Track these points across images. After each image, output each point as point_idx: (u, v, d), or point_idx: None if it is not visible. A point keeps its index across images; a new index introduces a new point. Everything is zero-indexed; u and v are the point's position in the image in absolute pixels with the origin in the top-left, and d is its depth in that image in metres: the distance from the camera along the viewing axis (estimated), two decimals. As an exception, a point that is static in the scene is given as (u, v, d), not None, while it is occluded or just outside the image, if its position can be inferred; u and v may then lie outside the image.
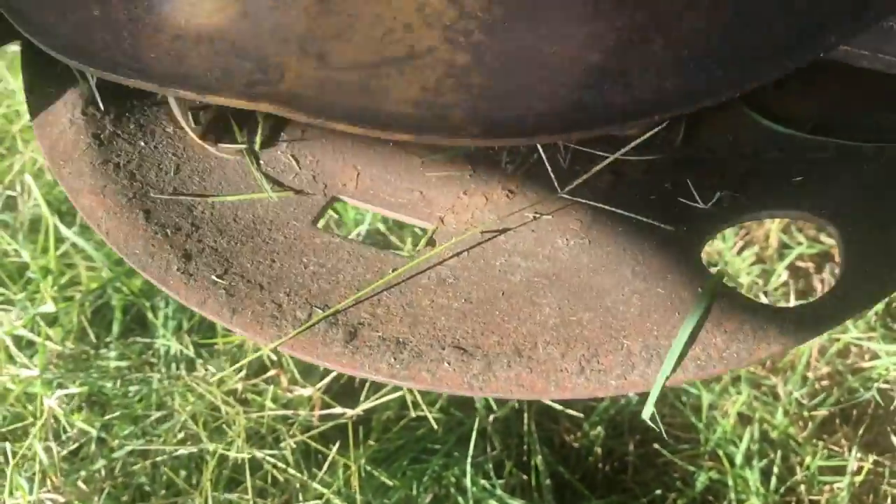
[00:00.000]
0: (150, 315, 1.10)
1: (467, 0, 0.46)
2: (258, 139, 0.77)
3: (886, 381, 1.11)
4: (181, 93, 0.55)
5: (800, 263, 1.22)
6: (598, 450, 1.08)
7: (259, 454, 0.98)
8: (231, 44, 0.52)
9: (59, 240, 1.14)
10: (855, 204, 0.67)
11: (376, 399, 1.01)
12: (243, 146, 0.76)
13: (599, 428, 1.08)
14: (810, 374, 1.14)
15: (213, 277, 0.66)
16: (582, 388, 0.61)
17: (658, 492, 1.05)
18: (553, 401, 1.04)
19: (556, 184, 0.72)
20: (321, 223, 0.72)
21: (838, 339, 1.14)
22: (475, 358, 0.62)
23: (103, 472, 0.99)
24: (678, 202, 0.71)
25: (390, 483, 0.99)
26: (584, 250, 0.69)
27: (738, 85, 0.50)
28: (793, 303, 1.16)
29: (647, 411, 0.63)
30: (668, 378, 0.60)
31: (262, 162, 0.76)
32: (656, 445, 1.08)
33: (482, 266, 0.68)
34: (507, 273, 0.68)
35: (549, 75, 0.47)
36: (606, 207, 0.70)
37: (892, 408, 1.09)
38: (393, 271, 0.68)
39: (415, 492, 1.02)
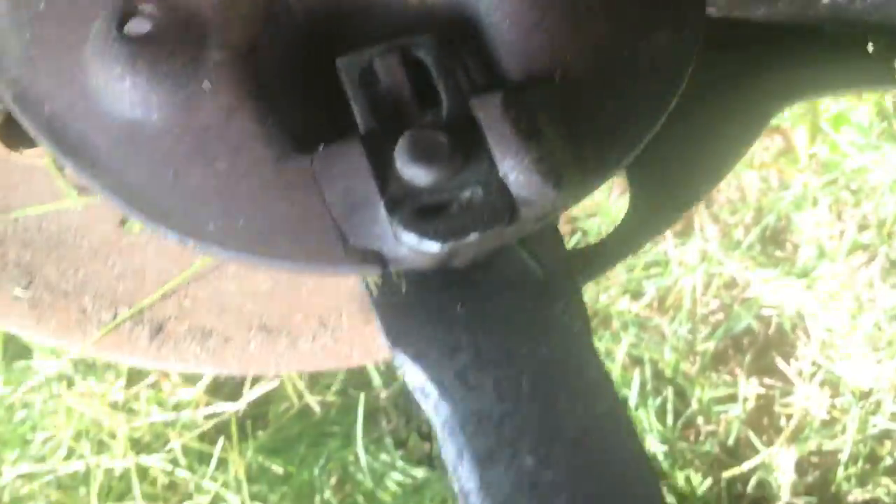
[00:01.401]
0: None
1: None
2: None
3: (768, 307, 1.13)
4: None
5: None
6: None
7: (145, 460, 0.98)
8: None
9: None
10: None
11: (256, 391, 1.00)
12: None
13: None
14: (702, 310, 1.15)
15: (16, 292, 0.66)
16: (386, 350, 0.61)
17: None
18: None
19: None
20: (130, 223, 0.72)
21: (720, 274, 1.14)
22: (281, 336, 0.63)
23: (-9, 499, 0.98)
24: None
25: (281, 471, 0.99)
26: None
27: None
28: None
29: None
30: None
31: (66, 169, 0.75)
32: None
33: None
34: None
35: None
36: None
37: (770, 332, 1.11)
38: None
39: (315, 475, 1.02)
